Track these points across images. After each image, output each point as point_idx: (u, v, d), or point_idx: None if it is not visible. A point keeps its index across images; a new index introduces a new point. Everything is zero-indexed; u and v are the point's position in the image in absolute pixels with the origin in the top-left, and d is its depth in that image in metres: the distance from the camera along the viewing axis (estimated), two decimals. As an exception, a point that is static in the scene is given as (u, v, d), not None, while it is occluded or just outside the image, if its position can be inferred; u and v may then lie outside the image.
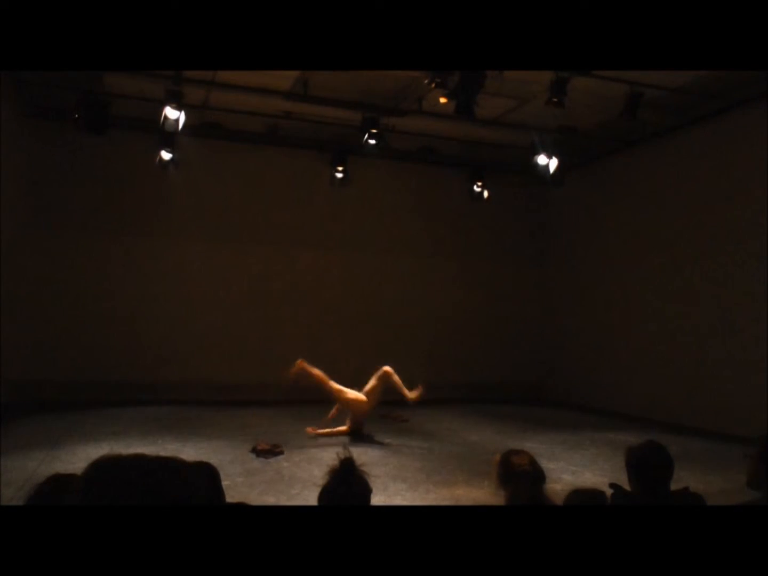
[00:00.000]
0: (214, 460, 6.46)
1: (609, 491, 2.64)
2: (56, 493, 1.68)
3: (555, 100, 7.95)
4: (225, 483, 5.76)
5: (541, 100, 8.43)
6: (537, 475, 2.78)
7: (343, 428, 8.12)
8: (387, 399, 11.12)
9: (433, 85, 7.52)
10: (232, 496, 5.18)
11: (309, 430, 7.93)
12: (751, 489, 2.58)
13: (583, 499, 2.52)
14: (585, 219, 12.47)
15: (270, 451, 6.94)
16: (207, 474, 2.21)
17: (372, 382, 8.18)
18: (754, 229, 8.84)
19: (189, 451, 6.81)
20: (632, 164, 11.28)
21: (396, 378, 8.14)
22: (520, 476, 2.76)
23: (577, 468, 6.79)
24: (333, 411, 8.25)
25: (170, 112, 8.39)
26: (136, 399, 10.13)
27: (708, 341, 9.53)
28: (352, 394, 8.09)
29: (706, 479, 6.12)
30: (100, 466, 1.10)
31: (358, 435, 8.11)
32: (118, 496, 1.05)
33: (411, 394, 8.11)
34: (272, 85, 9.16)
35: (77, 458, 6.26)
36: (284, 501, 5.27)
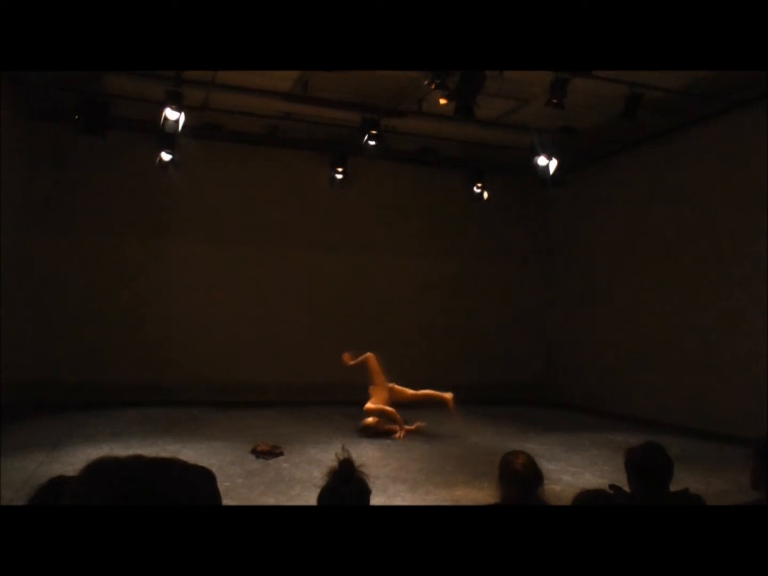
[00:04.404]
0: (213, 461, 6.49)
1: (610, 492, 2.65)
2: (58, 495, 1.67)
3: (555, 101, 7.94)
4: (225, 484, 5.78)
5: (541, 101, 8.43)
6: (529, 476, 2.79)
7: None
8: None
9: (433, 86, 7.53)
10: (232, 498, 5.19)
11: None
12: (754, 490, 2.58)
13: (591, 499, 2.52)
14: (585, 220, 12.47)
15: (270, 452, 6.93)
16: (204, 477, 2.21)
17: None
18: (754, 229, 8.84)
19: (188, 452, 6.80)
20: (632, 165, 11.29)
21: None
22: (511, 476, 2.78)
23: (576, 469, 6.79)
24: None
25: (170, 113, 8.39)
26: (136, 400, 10.12)
27: (708, 342, 9.53)
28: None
29: (706, 480, 6.11)
30: (95, 467, 1.09)
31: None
32: (112, 497, 1.04)
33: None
34: (272, 86, 9.17)
35: (77, 459, 6.25)
36: (284, 502, 5.26)
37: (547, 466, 5.90)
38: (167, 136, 9.37)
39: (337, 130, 10.84)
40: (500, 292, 13.25)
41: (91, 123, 8.81)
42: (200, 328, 11.25)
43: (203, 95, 9.69)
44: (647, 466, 2.70)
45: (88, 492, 1.06)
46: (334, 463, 2.23)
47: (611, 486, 2.68)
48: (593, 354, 12.00)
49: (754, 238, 8.81)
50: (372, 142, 9.59)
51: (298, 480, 5.95)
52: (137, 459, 1.11)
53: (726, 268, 9.32)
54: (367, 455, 6.98)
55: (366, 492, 2.21)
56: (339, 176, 11.52)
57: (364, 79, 8.79)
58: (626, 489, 2.73)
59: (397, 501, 5.36)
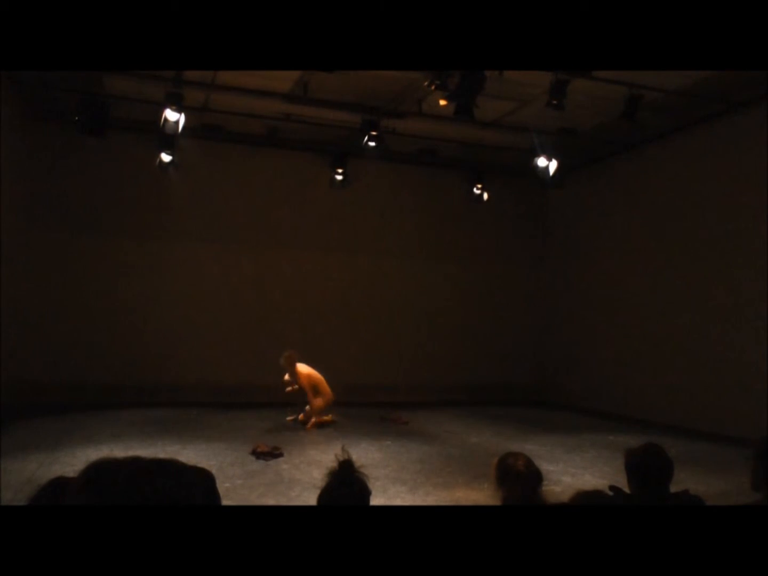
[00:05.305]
0: (213, 462, 6.48)
1: (610, 493, 2.64)
2: (58, 496, 1.67)
3: (555, 102, 7.94)
4: (225, 485, 5.78)
5: (540, 102, 8.43)
6: (532, 477, 2.78)
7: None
8: (386, 401, 11.15)
9: (433, 87, 7.53)
10: (231, 499, 5.19)
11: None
12: (754, 491, 2.58)
13: (587, 500, 2.51)
14: (584, 221, 12.47)
15: (270, 454, 6.93)
16: (203, 477, 2.21)
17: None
18: (753, 230, 8.83)
19: (189, 454, 6.80)
20: (632, 166, 11.29)
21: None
22: (515, 477, 2.77)
23: (576, 470, 6.78)
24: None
25: (170, 114, 8.39)
26: (136, 401, 10.11)
27: (708, 342, 9.52)
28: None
29: (706, 481, 6.10)
30: (95, 468, 1.09)
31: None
32: (112, 498, 1.04)
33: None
34: (272, 87, 9.17)
35: (77, 460, 6.24)
36: (284, 503, 5.26)
37: (547, 468, 5.90)
38: (167, 137, 9.37)
39: (337, 131, 10.84)
40: (500, 292, 13.25)
41: (91, 123, 8.80)
42: (200, 329, 11.24)
43: (203, 96, 9.68)
44: (647, 467, 2.70)
45: (88, 493, 1.06)
46: (334, 464, 2.23)
47: (611, 487, 2.67)
48: (593, 354, 11.99)
49: (754, 238, 8.81)
50: (372, 143, 9.59)
51: (298, 481, 5.94)
52: (137, 460, 1.11)
53: (726, 268, 9.32)
54: (367, 456, 6.97)
55: (366, 493, 2.21)
56: (339, 177, 11.53)
57: (364, 80, 8.79)
58: (626, 490, 2.72)
59: (397, 502, 5.35)
